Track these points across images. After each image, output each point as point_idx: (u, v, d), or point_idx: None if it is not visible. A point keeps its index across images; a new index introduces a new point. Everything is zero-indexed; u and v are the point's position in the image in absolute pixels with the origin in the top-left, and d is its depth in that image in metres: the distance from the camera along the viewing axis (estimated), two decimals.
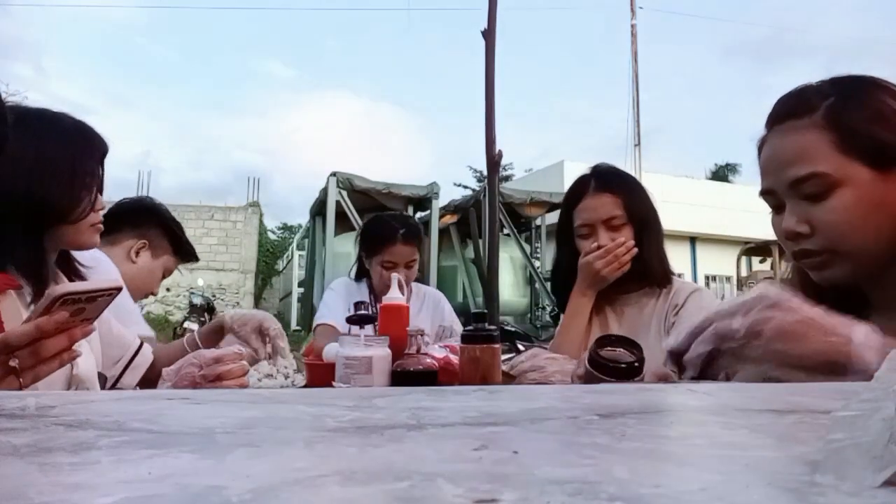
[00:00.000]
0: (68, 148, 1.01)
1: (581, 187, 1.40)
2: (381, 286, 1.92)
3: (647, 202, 1.40)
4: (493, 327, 1.14)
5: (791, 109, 0.81)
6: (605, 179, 1.38)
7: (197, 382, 0.95)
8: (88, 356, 1.07)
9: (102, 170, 1.11)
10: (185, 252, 1.68)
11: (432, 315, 2.02)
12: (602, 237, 1.34)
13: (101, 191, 1.10)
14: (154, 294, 1.66)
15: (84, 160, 1.03)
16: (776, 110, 0.84)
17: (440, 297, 2.11)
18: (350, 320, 1.48)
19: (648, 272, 1.36)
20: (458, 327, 1.99)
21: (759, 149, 0.87)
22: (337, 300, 1.98)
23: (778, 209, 0.84)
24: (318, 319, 1.96)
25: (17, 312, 0.86)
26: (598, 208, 1.36)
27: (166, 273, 1.65)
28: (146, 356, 1.24)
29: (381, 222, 2.00)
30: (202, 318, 10.73)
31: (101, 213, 1.08)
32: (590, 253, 1.33)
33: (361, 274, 2.05)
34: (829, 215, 0.77)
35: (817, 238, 0.78)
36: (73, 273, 1.15)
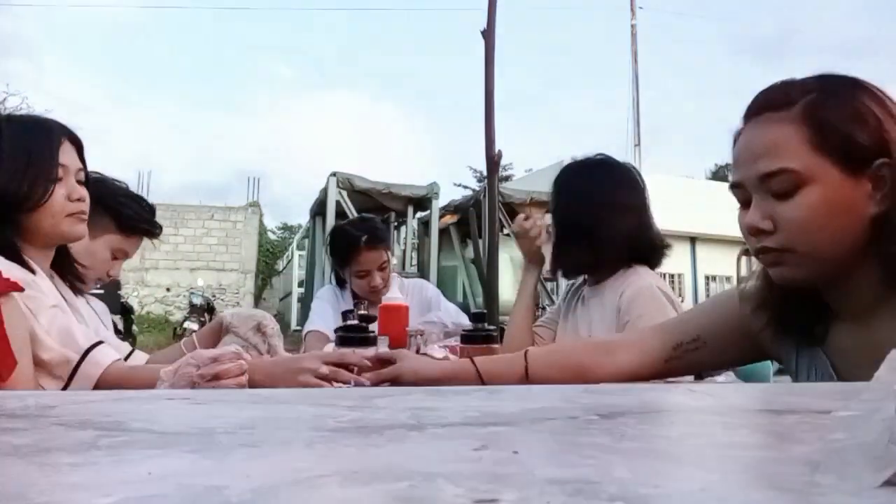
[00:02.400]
0: (19, 137, 1.04)
1: None
2: (361, 293, 1.92)
3: (584, 195, 1.39)
4: (493, 327, 1.14)
5: (770, 102, 0.79)
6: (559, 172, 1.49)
7: (195, 382, 0.94)
8: None
9: (84, 162, 1.11)
10: (130, 225, 1.45)
11: (419, 304, 2.00)
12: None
13: (84, 182, 1.10)
14: (109, 277, 1.45)
15: (36, 145, 1.05)
16: (755, 102, 0.81)
17: (422, 283, 2.11)
18: (349, 320, 1.48)
19: (560, 258, 1.40)
20: (448, 307, 1.99)
21: (735, 140, 0.84)
22: (325, 307, 1.99)
23: (745, 204, 0.82)
24: (307, 327, 1.96)
25: (20, 314, 0.87)
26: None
27: (118, 253, 1.44)
28: (94, 363, 1.04)
29: (343, 233, 1.97)
30: (202, 319, 10.71)
31: (83, 203, 1.08)
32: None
33: (340, 281, 2.05)
34: (794, 213, 0.75)
35: (778, 235, 0.77)
36: (70, 272, 1.15)
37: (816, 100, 0.76)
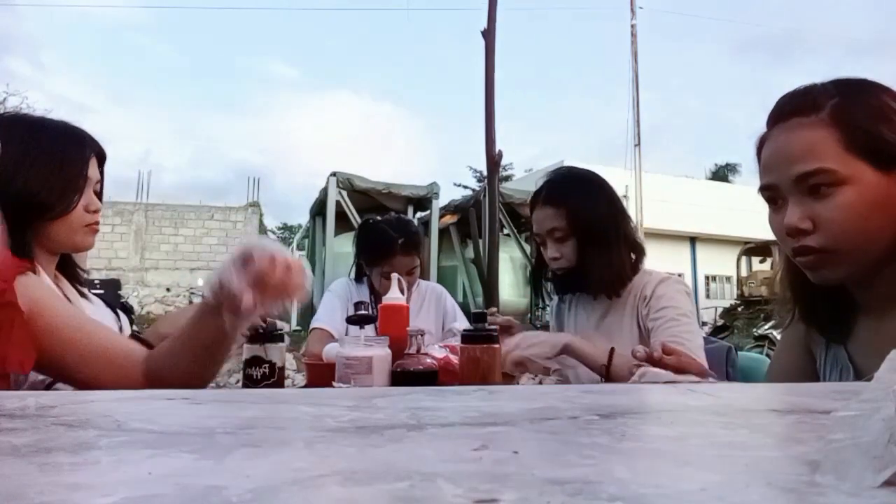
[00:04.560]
0: (53, 145, 1.04)
1: (534, 197, 1.45)
2: (382, 292, 1.82)
3: (600, 212, 1.38)
4: (493, 327, 1.14)
5: (796, 107, 0.81)
6: (550, 191, 1.42)
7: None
8: None
9: (102, 174, 1.12)
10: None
11: (435, 311, 1.98)
12: (550, 249, 1.40)
13: (100, 195, 1.11)
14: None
15: (69, 156, 1.05)
16: (780, 108, 0.83)
17: (441, 290, 2.07)
18: (350, 320, 1.48)
19: (591, 283, 1.38)
20: (462, 320, 1.97)
21: (759, 146, 0.86)
22: (334, 303, 1.93)
23: (777, 206, 0.84)
24: (314, 323, 1.92)
25: (45, 288, 0.87)
26: (542, 221, 1.40)
27: None
28: None
29: (379, 231, 1.89)
30: None
31: (98, 214, 1.09)
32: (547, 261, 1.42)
33: (361, 275, 2.00)
34: (833, 212, 0.77)
35: (819, 235, 0.78)
36: (74, 279, 1.15)
37: (842, 103, 0.78)
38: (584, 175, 1.47)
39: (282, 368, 1.09)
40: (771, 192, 0.84)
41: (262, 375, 1.07)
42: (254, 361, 1.07)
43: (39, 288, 0.86)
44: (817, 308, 0.87)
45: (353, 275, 2.04)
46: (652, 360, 1.02)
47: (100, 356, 0.86)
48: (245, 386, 1.09)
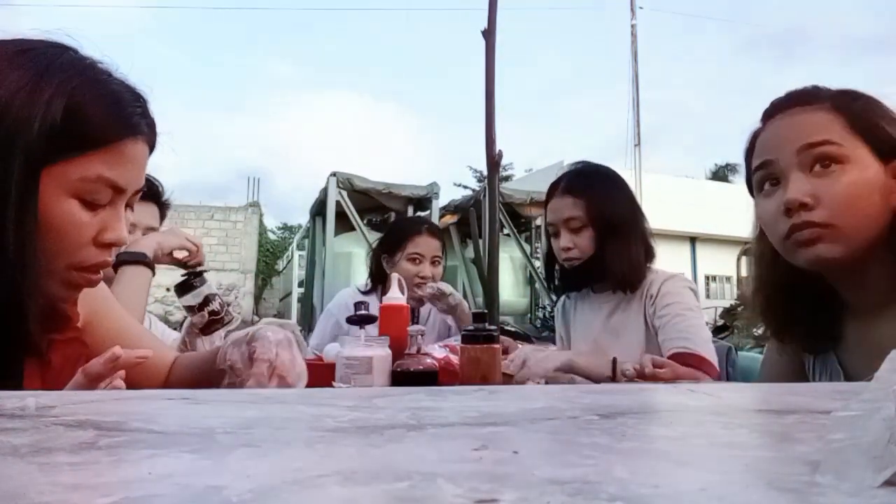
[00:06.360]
0: None
1: (552, 187, 1.45)
2: (408, 279, 1.73)
3: (620, 205, 1.38)
4: (493, 327, 1.14)
5: (798, 98, 0.83)
6: (571, 181, 1.41)
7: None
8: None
9: None
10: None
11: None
12: (563, 239, 1.38)
13: None
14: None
15: None
16: (781, 101, 0.84)
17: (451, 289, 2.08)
18: (350, 320, 1.48)
19: (608, 275, 1.37)
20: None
21: (752, 140, 0.86)
22: (325, 327, 1.88)
23: (771, 187, 0.82)
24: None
25: (100, 294, 0.87)
26: (559, 210, 1.40)
27: (140, 226, 1.42)
28: None
29: (403, 219, 2.03)
30: None
31: None
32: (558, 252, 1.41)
33: (376, 281, 1.91)
34: (837, 188, 0.77)
35: (821, 210, 0.77)
36: None
37: (842, 95, 0.81)
38: (604, 170, 1.47)
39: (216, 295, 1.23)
40: (768, 170, 0.82)
41: (221, 306, 1.21)
42: (206, 303, 1.20)
43: (98, 297, 0.86)
44: (796, 322, 0.86)
45: (361, 285, 1.97)
46: (643, 376, 1.03)
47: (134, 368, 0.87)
48: (210, 326, 1.21)
